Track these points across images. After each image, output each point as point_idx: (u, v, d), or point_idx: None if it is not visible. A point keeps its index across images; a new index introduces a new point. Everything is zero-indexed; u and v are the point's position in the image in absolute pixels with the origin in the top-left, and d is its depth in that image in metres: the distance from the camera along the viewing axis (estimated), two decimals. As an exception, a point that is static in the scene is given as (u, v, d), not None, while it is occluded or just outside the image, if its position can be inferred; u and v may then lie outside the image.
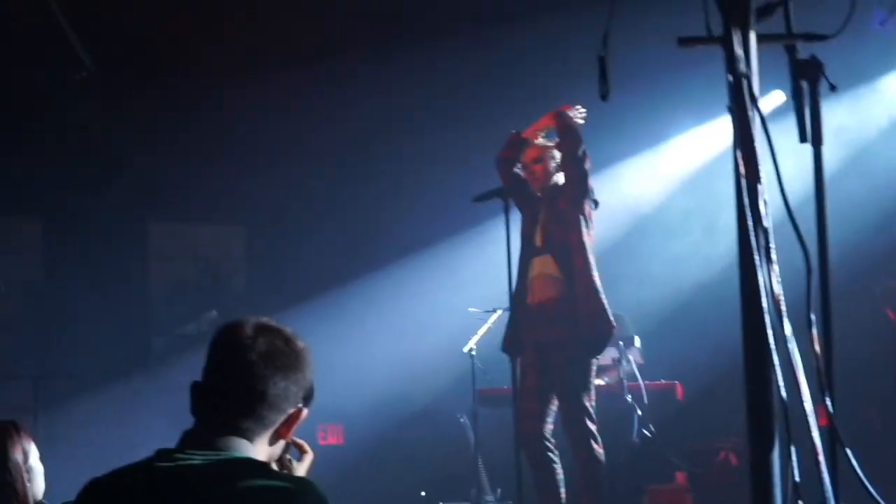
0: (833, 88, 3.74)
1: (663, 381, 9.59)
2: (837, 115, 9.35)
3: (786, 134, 3.62)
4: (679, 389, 9.59)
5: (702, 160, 11.22)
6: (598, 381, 7.93)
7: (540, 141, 7.98)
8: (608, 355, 8.88)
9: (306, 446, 3.55)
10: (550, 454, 7.67)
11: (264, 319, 3.08)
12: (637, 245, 11.11)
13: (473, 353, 9.29)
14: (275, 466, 3.18)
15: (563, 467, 7.78)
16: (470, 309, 9.54)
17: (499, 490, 9.64)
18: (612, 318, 7.67)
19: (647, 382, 9.28)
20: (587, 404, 7.53)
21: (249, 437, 2.95)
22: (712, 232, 10.72)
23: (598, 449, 7.54)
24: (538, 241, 7.81)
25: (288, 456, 3.41)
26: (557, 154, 7.92)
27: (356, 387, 11.32)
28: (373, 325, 11.66)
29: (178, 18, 10.15)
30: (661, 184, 11.48)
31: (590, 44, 3.75)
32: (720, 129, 10.93)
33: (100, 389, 11.23)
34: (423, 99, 11.30)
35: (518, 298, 7.80)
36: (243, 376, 2.96)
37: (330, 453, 11.28)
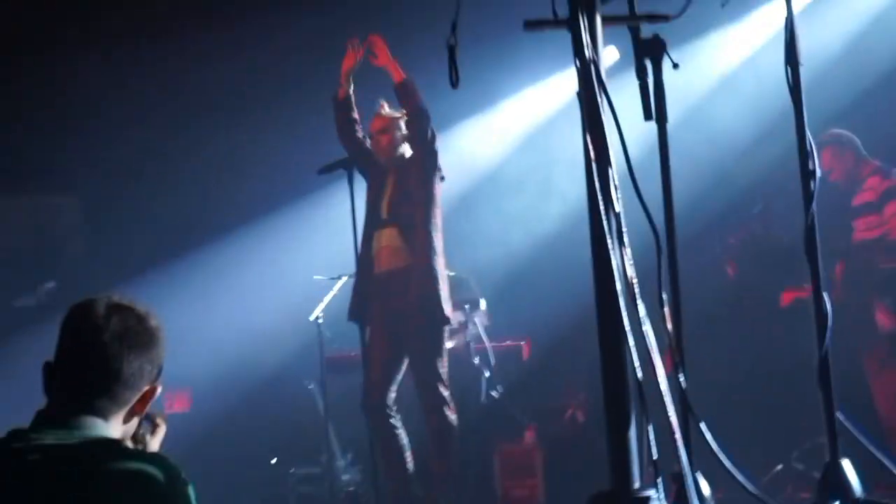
0: (676, 66, 3.81)
1: (509, 342, 9.68)
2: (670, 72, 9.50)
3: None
4: (525, 349, 9.69)
5: (538, 119, 11.30)
6: (448, 343, 7.95)
7: (386, 111, 7.90)
8: (454, 319, 8.92)
9: (160, 419, 3.55)
10: (392, 421, 7.70)
11: (116, 297, 3.10)
12: (476, 205, 11.15)
13: (320, 320, 9.25)
14: (129, 443, 3.18)
15: (412, 431, 7.83)
16: (315, 276, 9.48)
17: (349, 455, 9.65)
18: (446, 309, 7.66)
19: (493, 343, 9.35)
20: (440, 370, 7.56)
21: (104, 415, 2.97)
22: (549, 191, 10.82)
23: (452, 415, 7.59)
24: (384, 212, 7.78)
25: (141, 431, 3.38)
26: (404, 125, 7.89)
27: (202, 355, 11.18)
28: (218, 294, 11.52)
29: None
30: (499, 143, 11.53)
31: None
32: (555, 88, 11.02)
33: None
34: (266, 65, 11.19)
35: (363, 268, 7.77)
36: (97, 356, 2.97)
37: (177, 420, 11.15)
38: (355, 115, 7.99)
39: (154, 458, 2.93)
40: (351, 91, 7.96)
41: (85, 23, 10.48)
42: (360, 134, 7.98)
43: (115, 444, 2.95)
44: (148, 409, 3.14)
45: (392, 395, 7.70)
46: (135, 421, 3.11)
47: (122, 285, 11.15)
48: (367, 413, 7.71)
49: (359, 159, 7.93)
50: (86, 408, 2.94)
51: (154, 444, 3.46)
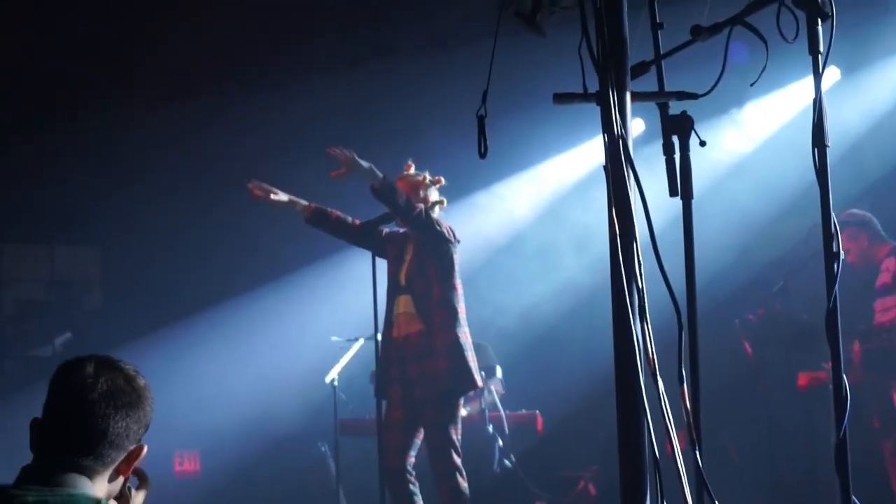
0: (703, 144, 3.82)
1: (524, 411, 9.65)
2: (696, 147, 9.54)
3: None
4: (539, 420, 9.66)
5: (561, 190, 11.33)
6: (462, 412, 7.92)
7: (408, 173, 7.85)
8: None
9: (145, 475, 3.49)
10: (411, 486, 7.64)
11: (105, 357, 3.12)
12: (495, 272, 11.15)
13: (335, 383, 9.23)
14: (113, 502, 3.17)
15: (425, 496, 7.79)
16: (332, 338, 9.48)
17: (360, 519, 9.62)
18: (477, 379, 7.60)
19: (508, 413, 9.33)
20: (453, 437, 7.52)
21: (89, 474, 2.98)
22: (570, 262, 10.83)
23: (463, 483, 7.54)
24: (402, 279, 7.72)
25: (128, 485, 3.34)
26: (430, 192, 7.83)
27: (215, 413, 11.20)
28: (234, 352, 11.53)
29: (36, 41, 9.97)
30: (521, 211, 11.55)
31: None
32: (579, 159, 11.06)
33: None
34: (290, 130, 11.30)
35: (385, 333, 7.75)
36: (84, 416, 2.98)
37: (186, 481, 11.15)
38: (334, 216, 7.90)
39: None
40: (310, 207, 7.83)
41: (111, 88, 10.64)
42: (351, 222, 7.92)
43: (90, 501, 2.94)
44: (133, 468, 3.15)
45: (411, 460, 7.65)
46: (120, 480, 3.12)
47: (137, 340, 11.20)
48: (385, 478, 7.65)
49: (370, 247, 7.84)
50: (70, 466, 2.95)
51: (138, 500, 3.42)
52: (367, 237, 7.85)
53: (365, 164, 7.48)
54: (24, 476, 2.95)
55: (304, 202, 7.79)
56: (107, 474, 3.03)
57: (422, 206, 7.54)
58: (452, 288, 7.65)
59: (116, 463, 3.05)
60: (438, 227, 7.56)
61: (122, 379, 3.05)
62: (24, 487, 2.89)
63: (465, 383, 7.57)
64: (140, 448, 3.10)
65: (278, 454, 11.02)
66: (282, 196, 7.82)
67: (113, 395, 3.00)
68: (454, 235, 7.66)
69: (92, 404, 2.97)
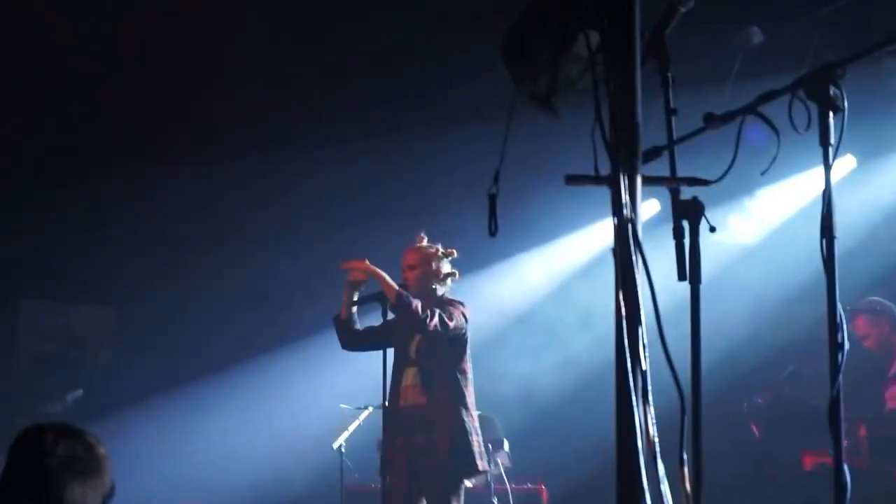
0: (713, 230, 3.86)
1: (529, 485, 9.62)
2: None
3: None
4: (543, 493, 9.63)
5: (571, 268, 11.38)
6: (467, 483, 7.91)
7: (419, 245, 7.85)
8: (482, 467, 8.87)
9: None
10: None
11: (66, 424, 3.09)
12: (504, 345, 11.16)
13: (343, 449, 9.24)
14: None
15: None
16: (341, 405, 9.50)
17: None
18: (479, 465, 7.59)
19: (513, 486, 9.30)
20: (455, 507, 7.52)
21: None
22: (577, 339, 10.84)
23: (464, 553, 7.54)
24: (412, 352, 7.73)
25: None
26: (442, 264, 7.85)
27: (223, 474, 11.19)
28: (242, 414, 11.55)
29: (55, 97, 10.07)
30: (533, 286, 11.59)
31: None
32: (592, 237, 11.12)
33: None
34: (306, 196, 11.40)
35: (391, 402, 7.75)
36: (40, 481, 2.99)
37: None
38: (357, 327, 7.93)
39: None
40: (354, 310, 7.88)
41: (130, 147, 10.77)
42: (360, 329, 7.93)
43: None
44: None
45: (417, 529, 7.64)
46: None
47: (147, 399, 11.23)
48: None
49: (379, 343, 7.80)
50: None
51: None
52: (374, 335, 7.87)
53: (379, 271, 7.56)
54: None
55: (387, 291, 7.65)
56: None
57: (437, 314, 7.48)
58: (461, 371, 7.65)
59: None
60: (453, 329, 7.53)
61: (82, 446, 3.06)
62: None
63: (464, 468, 7.55)
64: None
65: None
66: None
67: (71, 462, 3.01)
68: (465, 320, 7.66)
69: (49, 471, 2.98)
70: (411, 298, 7.43)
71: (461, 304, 7.73)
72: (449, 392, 7.59)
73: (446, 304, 7.66)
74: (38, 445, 2.98)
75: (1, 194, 11.01)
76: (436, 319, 7.43)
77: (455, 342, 7.63)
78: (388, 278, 7.56)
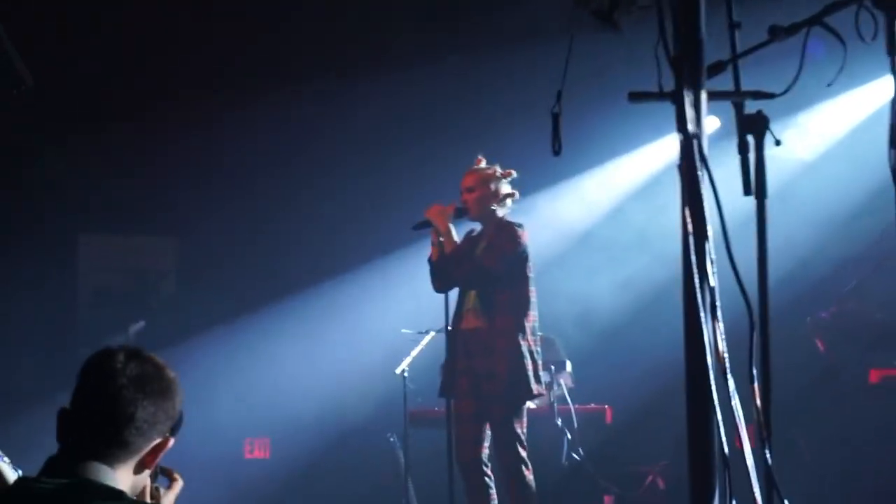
0: (778, 143, 3.82)
1: (593, 405, 9.65)
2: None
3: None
4: (608, 413, 9.65)
5: (634, 186, 11.32)
6: (529, 405, 7.94)
7: (477, 167, 7.83)
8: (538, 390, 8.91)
9: (176, 474, 3.47)
10: (487, 479, 7.68)
11: (136, 347, 3.08)
12: (566, 265, 11.13)
13: (406, 374, 9.29)
14: (141, 496, 3.14)
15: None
16: (403, 330, 9.53)
17: (428, 510, 9.66)
18: (534, 388, 7.64)
19: (576, 406, 9.33)
20: (518, 431, 7.54)
21: (111, 462, 2.93)
22: (640, 257, 10.79)
23: (529, 475, 7.57)
24: None
25: (156, 484, 3.33)
26: (501, 185, 7.83)
27: (286, 403, 11.28)
28: (305, 342, 11.60)
29: (110, 34, 10.10)
30: (592, 206, 11.54)
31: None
32: (652, 155, 11.05)
33: (25, 401, 11.07)
34: (366, 125, 11.40)
35: (454, 325, 7.78)
36: (111, 399, 2.95)
37: (255, 467, 11.26)
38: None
39: None
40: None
41: (191, 79, 10.79)
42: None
43: (114, 493, 2.90)
44: (159, 461, 3.10)
45: (486, 451, 7.68)
46: (145, 474, 3.07)
47: (210, 330, 11.32)
48: (462, 470, 7.69)
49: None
50: (92, 454, 2.91)
51: (169, 498, 3.41)
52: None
53: (449, 226, 7.69)
54: (47, 466, 2.93)
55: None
56: (131, 465, 2.98)
57: (468, 267, 7.65)
58: (522, 295, 7.66)
59: (141, 453, 3.00)
60: (497, 269, 7.57)
61: (152, 366, 3.02)
62: (46, 479, 2.87)
63: (521, 393, 7.59)
64: (167, 440, 3.05)
65: (348, 444, 11.10)
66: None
67: (142, 380, 2.97)
68: (522, 244, 7.68)
69: (120, 388, 2.94)
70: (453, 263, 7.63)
71: (520, 226, 7.72)
72: (507, 316, 7.61)
73: (504, 229, 7.67)
74: (107, 366, 2.98)
75: (59, 127, 11.05)
76: (470, 275, 7.66)
77: (514, 265, 7.64)
78: (453, 234, 7.71)
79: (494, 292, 7.62)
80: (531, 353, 7.61)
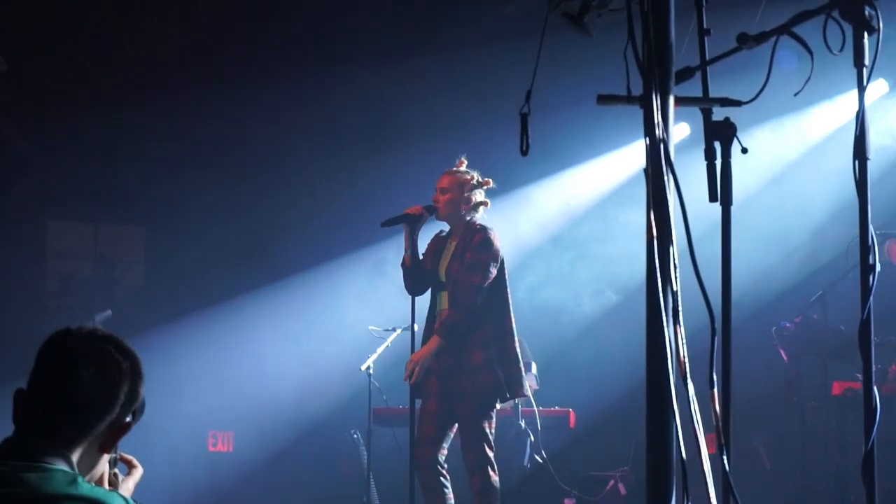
0: (744, 151, 3.84)
1: (557, 408, 9.66)
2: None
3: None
4: (572, 417, 9.67)
5: (602, 190, 11.34)
6: (496, 405, 7.94)
7: (456, 170, 7.76)
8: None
9: (135, 461, 3.44)
10: (442, 479, 7.65)
11: (98, 328, 3.00)
12: (534, 268, 11.15)
13: (371, 371, 9.27)
14: (99, 483, 3.10)
15: (456, 491, 7.80)
16: (370, 327, 9.52)
17: (388, 508, 9.66)
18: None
19: (540, 409, 9.33)
20: (487, 431, 7.53)
21: (67, 445, 2.87)
22: (608, 261, 10.82)
23: (494, 476, 7.55)
24: (441, 275, 7.74)
25: (115, 471, 3.30)
26: (475, 193, 7.75)
27: (250, 397, 11.27)
28: (271, 336, 11.60)
29: (85, 19, 10.07)
30: (561, 209, 11.54)
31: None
32: (621, 161, 11.07)
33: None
34: (338, 115, 11.40)
35: (427, 326, 7.76)
36: (68, 381, 2.88)
37: (219, 460, 11.24)
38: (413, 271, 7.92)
39: (106, 495, 2.84)
40: (420, 257, 7.83)
41: (158, 69, 10.76)
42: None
43: (70, 476, 2.82)
44: (118, 447, 3.07)
45: (444, 452, 7.66)
46: (104, 459, 3.02)
47: (177, 319, 11.29)
48: (416, 468, 7.68)
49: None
50: (48, 436, 2.85)
51: (128, 484, 3.36)
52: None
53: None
54: (1, 448, 2.86)
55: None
56: (87, 447, 2.92)
57: (462, 301, 7.56)
58: (498, 296, 7.66)
59: (99, 436, 2.93)
60: (486, 283, 7.55)
61: (112, 346, 2.95)
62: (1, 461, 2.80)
63: (492, 393, 7.57)
64: (127, 424, 2.99)
65: (311, 440, 11.09)
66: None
67: (99, 360, 2.91)
68: (497, 250, 7.63)
69: (77, 369, 2.87)
70: (448, 321, 7.56)
71: (490, 229, 7.70)
72: (483, 317, 7.60)
73: (477, 236, 7.64)
74: (66, 347, 2.91)
75: (30, 116, 11.02)
76: (465, 314, 7.55)
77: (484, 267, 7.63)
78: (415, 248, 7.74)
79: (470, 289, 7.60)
80: (511, 354, 7.61)
